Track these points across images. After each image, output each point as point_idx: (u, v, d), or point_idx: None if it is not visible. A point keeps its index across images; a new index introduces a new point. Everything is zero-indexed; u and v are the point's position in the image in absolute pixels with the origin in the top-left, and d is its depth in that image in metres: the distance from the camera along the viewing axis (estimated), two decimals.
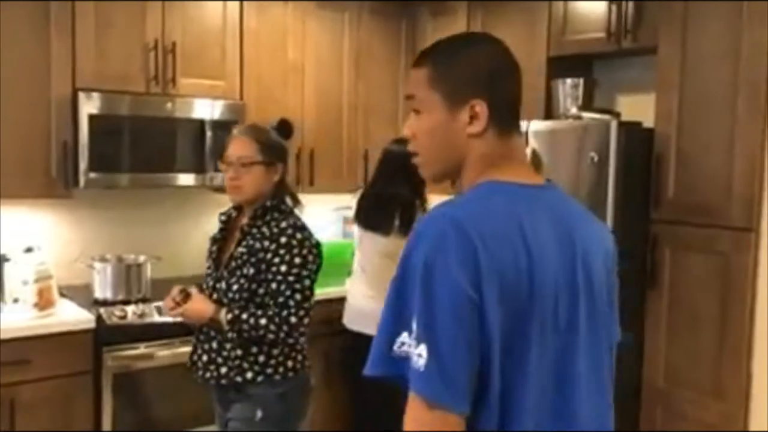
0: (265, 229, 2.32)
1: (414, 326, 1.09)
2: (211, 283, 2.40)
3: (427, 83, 1.27)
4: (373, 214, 3.32)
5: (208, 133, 3.41)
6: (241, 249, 2.32)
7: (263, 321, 2.23)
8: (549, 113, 3.52)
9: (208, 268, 2.47)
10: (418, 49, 3.61)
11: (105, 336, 2.97)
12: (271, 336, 2.24)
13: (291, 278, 2.25)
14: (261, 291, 2.29)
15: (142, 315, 3.06)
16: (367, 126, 4.08)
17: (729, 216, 2.81)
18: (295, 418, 2.38)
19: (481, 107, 1.23)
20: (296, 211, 2.43)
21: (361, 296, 3.34)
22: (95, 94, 3.13)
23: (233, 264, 2.32)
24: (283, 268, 2.25)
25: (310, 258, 2.29)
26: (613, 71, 3.57)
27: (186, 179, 3.41)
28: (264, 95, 3.67)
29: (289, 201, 2.43)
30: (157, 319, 3.04)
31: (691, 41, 2.93)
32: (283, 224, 2.31)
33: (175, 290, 2.38)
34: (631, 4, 3.15)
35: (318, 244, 2.35)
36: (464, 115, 1.24)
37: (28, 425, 2.82)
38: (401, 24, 4.19)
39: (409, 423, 1.09)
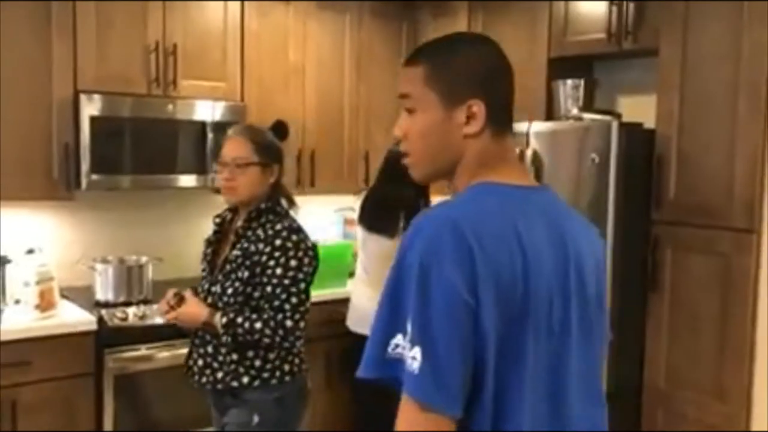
0: (260, 232, 2.29)
1: (409, 328, 1.08)
2: (206, 287, 2.37)
3: (422, 81, 1.25)
4: (377, 217, 3.32)
5: (210, 135, 3.41)
6: (235, 252, 2.29)
7: (258, 325, 2.19)
8: (550, 114, 3.52)
9: (203, 270, 2.44)
10: None
11: (106, 338, 2.98)
12: (266, 340, 2.21)
13: (286, 281, 2.22)
14: (256, 294, 2.25)
15: (143, 317, 3.06)
16: (368, 127, 4.09)
17: (730, 217, 2.80)
18: (293, 422, 2.35)
19: (478, 107, 1.22)
20: (291, 212, 2.40)
21: (364, 298, 3.34)
22: (96, 96, 3.14)
23: (228, 267, 2.29)
24: (279, 271, 2.22)
25: (306, 261, 2.26)
26: (613, 72, 3.57)
27: (187, 181, 3.42)
28: (265, 97, 3.67)
29: (284, 203, 2.40)
30: (158, 320, 3.02)
31: (691, 42, 2.92)
32: (278, 226, 2.28)
33: (170, 293, 2.36)
34: (631, 5, 3.14)
35: (314, 247, 2.32)
36: (461, 114, 1.22)
37: (29, 427, 2.82)
38: (402, 25, 4.19)
39: (402, 425, 1.09)
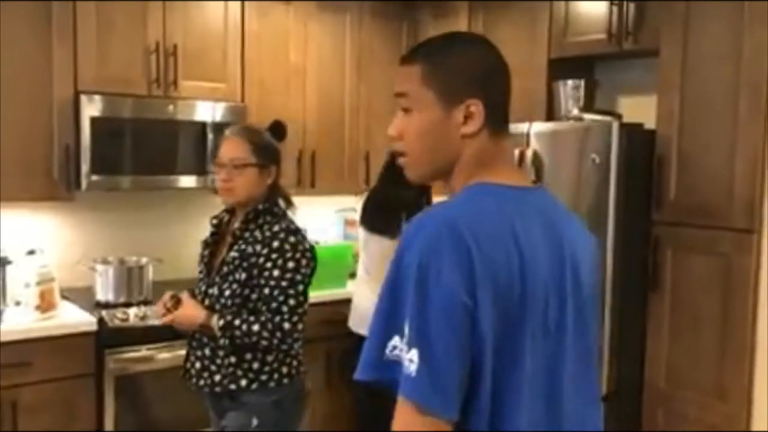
0: (257, 233, 2.27)
1: (406, 330, 1.08)
2: (203, 288, 2.35)
3: (420, 80, 1.24)
4: (378, 217, 3.32)
5: (210, 136, 3.41)
6: (233, 254, 2.27)
7: (256, 327, 2.18)
8: (550, 115, 3.51)
9: (200, 272, 2.42)
10: None
11: (107, 338, 2.98)
12: (264, 342, 2.19)
13: (284, 283, 2.20)
14: (254, 296, 2.24)
15: (143, 317, 3.06)
16: (369, 128, 4.08)
17: (730, 217, 2.80)
18: (291, 425, 2.34)
19: (476, 107, 1.22)
20: (289, 213, 2.38)
21: (366, 299, 3.33)
22: (97, 97, 3.15)
23: (225, 269, 2.27)
24: (276, 272, 2.20)
25: (304, 262, 2.24)
26: (614, 73, 3.56)
27: (188, 181, 3.42)
28: (265, 97, 3.67)
29: (282, 204, 2.38)
30: (158, 321, 3.04)
31: (692, 42, 2.91)
32: (276, 228, 2.26)
33: (167, 296, 2.35)
34: (632, 6, 3.14)
35: (312, 248, 2.31)
36: (459, 114, 1.22)
37: (30, 427, 2.83)
38: (402, 25, 4.18)
39: (398, 427, 1.09)
